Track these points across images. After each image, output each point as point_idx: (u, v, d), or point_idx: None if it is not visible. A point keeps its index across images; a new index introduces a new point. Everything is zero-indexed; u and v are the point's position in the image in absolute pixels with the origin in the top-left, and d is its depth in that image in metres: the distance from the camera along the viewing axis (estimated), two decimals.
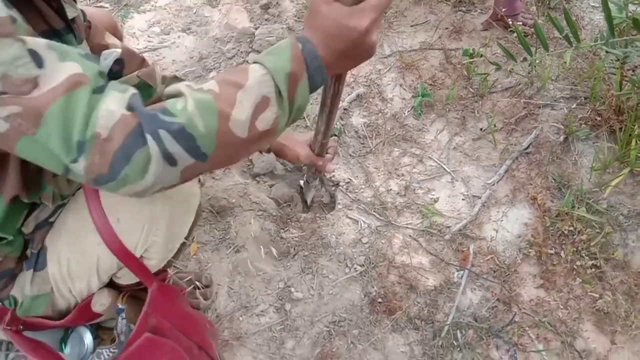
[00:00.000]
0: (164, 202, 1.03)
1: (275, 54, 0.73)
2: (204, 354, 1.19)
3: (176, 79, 1.19)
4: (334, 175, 1.85)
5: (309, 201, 1.78)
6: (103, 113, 0.66)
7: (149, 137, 0.66)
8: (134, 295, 1.13)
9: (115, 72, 1.16)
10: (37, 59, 0.66)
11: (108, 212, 0.99)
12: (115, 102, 0.67)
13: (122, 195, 0.70)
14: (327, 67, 0.75)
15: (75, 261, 1.04)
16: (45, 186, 0.96)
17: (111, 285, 1.13)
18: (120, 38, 1.56)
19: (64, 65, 0.68)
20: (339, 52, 0.74)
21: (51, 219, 1.04)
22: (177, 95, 0.71)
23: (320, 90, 0.99)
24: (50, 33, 0.88)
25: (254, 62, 0.74)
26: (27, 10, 0.81)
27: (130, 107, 0.68)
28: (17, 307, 1.05)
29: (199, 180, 1.21)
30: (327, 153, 1.43)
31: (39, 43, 0.68)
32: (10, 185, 0.88)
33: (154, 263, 1.11)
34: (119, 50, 1.20)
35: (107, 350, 1.04)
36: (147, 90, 1.17)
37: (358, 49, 0.74)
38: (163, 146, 0.66)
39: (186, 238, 1.18)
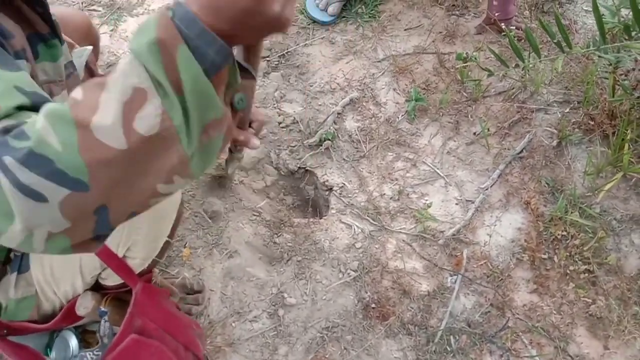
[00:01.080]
0: None
1: (141, 30, 0.53)
2: (191, 355, 1.18)
3: None
4: (327, 180, 1.84)
5: (230, 171, 1.56)
6: None
7: None
8: (119, 297, 1.12)
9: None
10: None
11: None
12: None
13: (9, 247, 0.59)
14: (222, 36, 0.54)
15: (57, 262, 1.03)
16: None
17: (97, 287, 1.12)
18: (94, 39, 1.52)
19: None
20: (230, 18, 0.54)
21: None
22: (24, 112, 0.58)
23: None
24: (36, 37, 0.87)
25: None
26: (12, 14, 0.80)
27: None
28: (1, 312, 1.04)
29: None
30: (251, 126, 1.14)
31: None
32: None
33: (137, 262, 1.11)
34: (90, 48, 1.18)
35: (91, 353, 1.04)
36: None
37: (255, 21, 0.55)
38: (13, 176, 0.51)
39: (169, 237, 1.17)
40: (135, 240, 1.06)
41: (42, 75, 0.83)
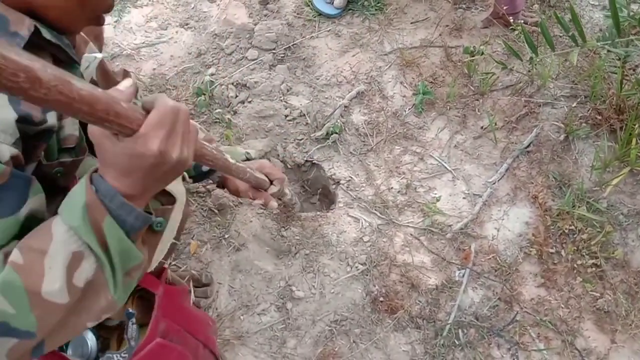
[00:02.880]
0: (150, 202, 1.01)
1: (71, 203, 0.66)
2: (208, 352, 1.18)
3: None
4: (334, 173, 1.83)
5: (298, 206, 1.70)
6: None
7: None
8: (141, 295, 1.11)
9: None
10: None
11: None
12: None
13: None
14: (137, 197, 0.67)
15: None
16: None
17: None
18: (101, 45, 1.52)
19: None
20: (142, 179, 0.66)
21: None
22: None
23: None
24: (58, 62, 0.85)
25: (57, 215, 0.68)
26: (37, 51, 0.78)
27: None
28: None
29: (184, 178, 1.17)
30: (272, 185, 1.31)
31: None
32: None
33: None
34: (100, 55, 1.16)
35: (118, 355, 1.03)
36: None
37: (161, 171, 0.66)
38: None
39: (175, 239, 1.16)
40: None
41: None
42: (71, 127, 0.82)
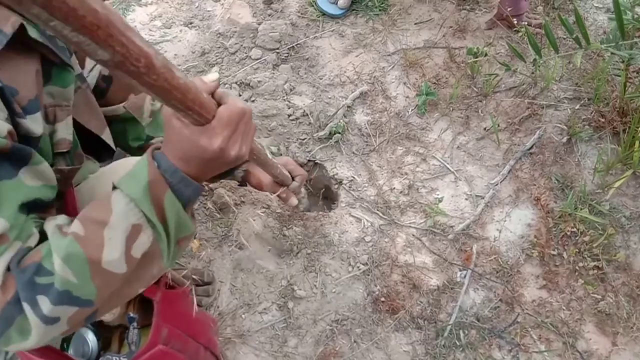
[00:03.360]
0: None
1: (134, 177, 0.70)
2: (209, 354, 1.18)
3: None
4: (336, 173, 1.84)
5: (305, 207, 1.68)
6: None
7: (26, 306, 0.65)
8: (143, 299, 1.11)
9: (101, 89, 1.14)
10: None
11: None
12: (2, 264, 0.66)
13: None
14: (194, 177, 0.72)
15: None
16: None
17: None
18: None
19: None
20: (199, 165, 0.71)
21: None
22: (47, 253, 0.68)
23: None
24: (49, 63, 0.83)
25: (115, 188, 0.71)
26: (23, 48, 0.77)
27: (9, 270, 0.67)
28: None
29: None
30: (294, 180, 1.35)
31: None
32: None
33: None
34: None
35: (118, 357, 1.03)
36: (132, 125, 1.16)
37: (218, 164, 0.72)
38: (41, 312, 0.65)
39: None
40: None
41: (48, 99, 0.81)
42: (64, 132, 0.83)
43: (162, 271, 0.75)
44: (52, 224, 0.70)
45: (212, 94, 0.69)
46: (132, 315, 1.04)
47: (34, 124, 0.74)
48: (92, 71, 1.13)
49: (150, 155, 0.71)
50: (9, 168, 0.68)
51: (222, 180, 1.39)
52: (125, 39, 0.47)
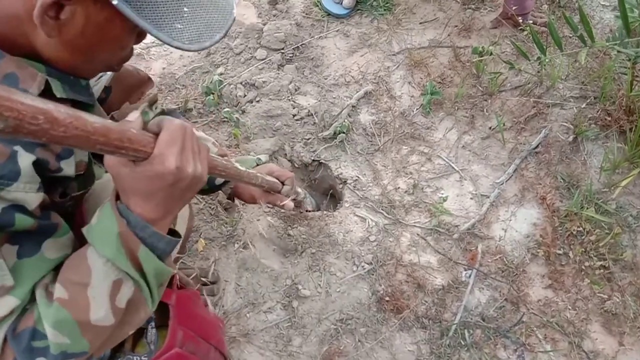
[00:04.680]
0: None
1: (103, 235, 0.70)
2: (218, 355, 1.19)
3: (162, 112, 1.23)
4: (341, 173, 1.84)
5: (313, 207, 1.76)
6: None
7: None
8: None
9: (101, 99, 1.15)
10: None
11: None
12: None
13: None
14: (160, 219, 0.72)
15: None
16: None
17: None
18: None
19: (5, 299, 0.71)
20: (164, 201, 0.70)
21: None
22: (38, 319, 0.72)
23: None
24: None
25: (89, 246, 0.73)
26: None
27: (6, 339, 0.71)
28: None
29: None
30: (284, 185, 1.35)
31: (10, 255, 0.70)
32: None
33: None
34: (109, 74, 1.16)
35: (138, 357, 1.04)
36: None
37: (180, 189, 0.70)
38: None
39: (180, 252, 1.18)
40: None
41: None
42: (80, 154, 0.83)
43: (150, 313, 0.79)
44: (40, 288, 0.72)
45: (147, 129, 0.68)
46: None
47: (68, 167, 0.78)
48: (98, 84, 1.14)
49: (116, 209, 0.70)
50: (32, 244, 0.72)
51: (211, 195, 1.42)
52: (10, 102, 0.46)
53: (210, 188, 1.33)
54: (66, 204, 0.84)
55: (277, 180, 1.32)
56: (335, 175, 1.85)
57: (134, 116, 0.67)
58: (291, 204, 1.37)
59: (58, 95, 0.75)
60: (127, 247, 0.70)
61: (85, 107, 0.84)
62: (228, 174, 0.99)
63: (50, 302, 0.70)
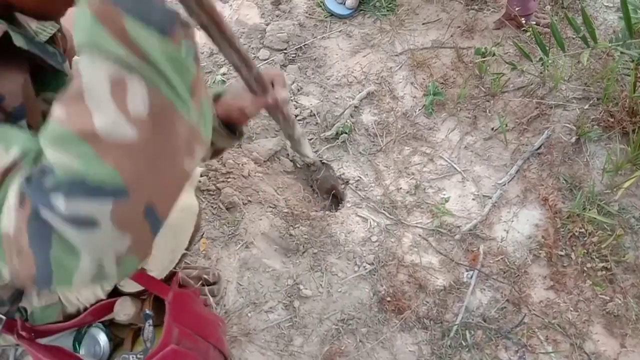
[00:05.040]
0: None
1: (79, 29, 0.53)
2: (218, 353, 1.19)
3: None
4: (343, 173, 1.84)
5: (310, 154, 1.41)
6: (5, 209, 0.55)
7: (45, 214, 0.53)
8: (156, 296, 1.13)
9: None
10: None
11: None
12: (13, 191, 0.55)
13: (85, 287, 0.63)
14: None
15: None
16: None
17: (114, 292, 1.12)
18: None
19: (9, 148, 0.58)
20: None
21: None
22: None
23: None
24: (41, 69, 0.84)
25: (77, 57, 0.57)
26: (10, 57, 0.77)
27: (20, 189, 0.55)
28: (28, 316, 1.05)
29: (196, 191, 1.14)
30: (274, 85, 1.06)
31: None
32: None
33: (155, 274, 1.11)
34: None
35: (134, 356, 1.04)
36: None
37: None
38: (61, 214, 0.52)
39: (187, 249, 1.18)
40: (152, 256, 1.05)
41: (44, 105, 0.80)
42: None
43: (194, 131, 0.58)
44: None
45: None
46: (148, 312, 1.05)
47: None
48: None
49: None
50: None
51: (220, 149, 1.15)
52: None
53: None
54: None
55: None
56: (337, 176, 1.85)
57: None
58: (285, 94, 1.06)
59: (17, 44, 0.69)
60: (108, 25, 0.51)
61: (55, 75, 0.80)
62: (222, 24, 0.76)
63: (46, 128, 0.55)
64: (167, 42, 0.53)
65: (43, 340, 1.06)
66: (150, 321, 1.04)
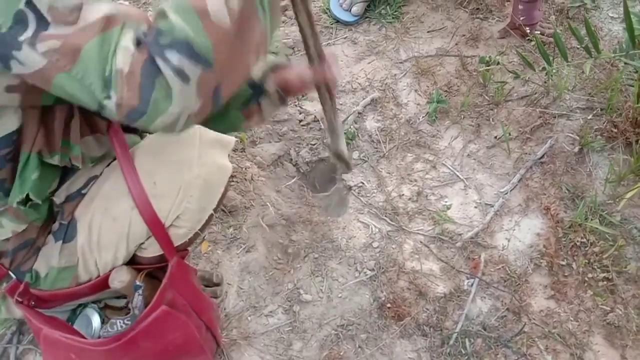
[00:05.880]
0: (199, 168, 1.06)
1: None
2: (209, 335, 1.20)
3: None
4: (345, 179, 1.85)
5: (344, 150, 1.33)
6: (121, 50, 0.70)
7: (160, 62, 0.70)
8: (152, 274, 1.14)
9: None
10: None
11: (146, 176, 1.02)
12: (128, 40, 0.72)
13: (156, 131, 0.76)
14: None
15: (106, 227, 1.05)
16: (73, 146, 0.98)
17: (131, 262, 1.14)
18: None
19: (99, 6, 0.72)
20: None
21: (83, 191, 1.06)
22: (161, 14, 0.73)
23: None
24: None
25: None
26: None
27: (138, 41, 0.72)
28: (38, 281, 1.06)
29: (229, 156, 1.19)
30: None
31: None
32: (31, 139, 0.91)
33: (182, 232, 1.13)
34: None
35: (121, 321, 1.06)
36: None
37: None
38: (172, 64, 0.69)
39: (214, 210, 1.19)
40: (186, 209, 1.08)
41: None
42: None
43: (264, 37, 0.77)
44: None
45: None
46: (138, 283, 1.07)
47: None
48: None
49: None
50: None
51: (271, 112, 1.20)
52: None
53: (254, 93, 1.16)
54: None
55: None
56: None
57: None
58: (338, 72, 1.15)
59: None
60: None
61: None
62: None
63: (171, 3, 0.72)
64: None
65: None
66: (140, 291, 1.06)
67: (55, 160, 0.96)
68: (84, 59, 0.70)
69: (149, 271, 1.15)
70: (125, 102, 0.71)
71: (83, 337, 1.08)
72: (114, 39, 0.71)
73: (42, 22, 0.69)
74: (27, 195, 0.95)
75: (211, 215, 1.18)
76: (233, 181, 1.81)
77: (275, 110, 1.22)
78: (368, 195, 1.82)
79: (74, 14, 0.70)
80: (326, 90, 1.12)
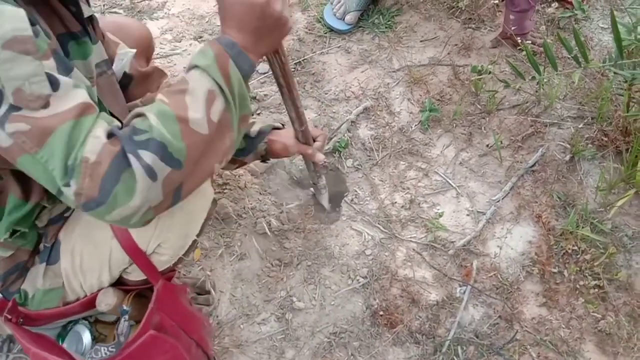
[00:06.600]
0: None
1: (202, 54, 0.80)
2: (201, 352, 1.19)
3: None
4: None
5: (326, 205, 1.80)
6: (91, 139, 0.71)
7: (132, 158, 0.71)
8: (140, 294, 1.14)
9: (122, 84, 1.20)
10: (52, 81, 0.71)
11: None
12: (101, 129, 0.73)
13: (110, 222, 0.75)
14: (249, 50, 0.83)
15: (88, 253, 1.06)
16: None
17: (118, 282, 1.13)
18: (150, 54, 1.59)
19: (76, 92, 0.74)
20: (252, 32, 0.82)
21: (66, 214, 1.06)
22: (139, 115, 0.76)
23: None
24: (67, 36, 0.90)
25: (187, 69, 0.82)
26: (45, 12, 0.83)
27: (111, 134, 0.74)
28: (26, 301, 1.06)
29: (212, 181, 1.25)
30: (316, 141, 1.48)
31: (54, 68, 0.73)
32: (36, 193, 0.95)
33: (165, 259, 1.12)
34: (133, 52, 1.23)
35: (106, 348, 1.05)
36: None
37: (267, 23, 0.83)
38: (144, 162, 0.71)
39: (197, 235, 1.19)
40: (166, 238, 1.08)
41: None
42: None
43: (232, 145, 0.83)
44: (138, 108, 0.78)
45: None
46: (125, 308, 1.07)
47: None
48: (122, 61, 1.21)
49: (215, 40, 0.82)
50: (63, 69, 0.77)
51: (245, 162, 1.53)
52: None
53: (247, 145, 1.47)
54: None
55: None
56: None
57: None
58: (322, 156, 1.46)
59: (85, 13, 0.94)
60: (220, 62, 0.78)
61: (79, 43, 0.95)
62: (287, 71, 1.17)
63: (151, 106, 0.76)
64: (243, 83, 0.82)
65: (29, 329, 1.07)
66: (126, 316, 1.05)
67: (47, 204, 1.00)
68: (52, 143, 0.70)
69: (138, 291, 1.15)
70: (85, 192, 0.70)
71: (72, 358, 1.07)
72: (86, 126, 0.72)
73: (14, 105, 0.69)
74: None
75: (194, 241, 1.19)
76: (226, 189, 1.81)
77: (254, 161, 1.51)
78: (361, 202, 1.82)
79: (38, 102, 0.70)
80: (311, 162, 1.50)
